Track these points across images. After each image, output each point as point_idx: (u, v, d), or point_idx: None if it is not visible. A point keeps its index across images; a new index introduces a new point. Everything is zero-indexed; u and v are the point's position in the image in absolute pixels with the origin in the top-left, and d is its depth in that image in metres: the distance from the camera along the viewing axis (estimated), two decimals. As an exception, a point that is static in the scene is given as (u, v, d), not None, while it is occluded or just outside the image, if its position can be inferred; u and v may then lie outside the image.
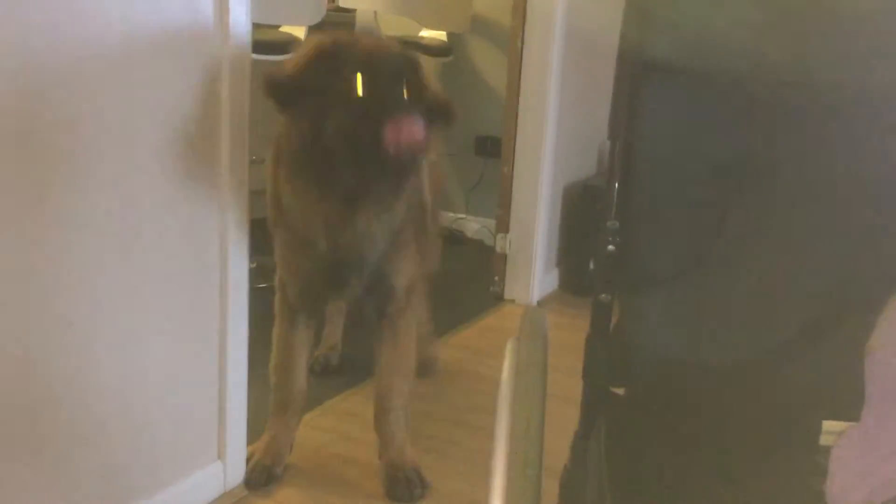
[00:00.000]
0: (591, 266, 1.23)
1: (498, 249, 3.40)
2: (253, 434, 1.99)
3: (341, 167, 1.67)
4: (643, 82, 1.19)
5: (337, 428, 2.28)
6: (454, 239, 4.19)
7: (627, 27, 1.19)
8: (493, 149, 3.85)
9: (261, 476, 1.96)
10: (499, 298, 3.38)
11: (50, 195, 1.40)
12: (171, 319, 1.69)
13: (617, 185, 1.22)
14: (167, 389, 1.71)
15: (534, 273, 3.34)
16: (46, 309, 1.43)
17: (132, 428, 1.65)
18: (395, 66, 1.73)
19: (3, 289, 1.36)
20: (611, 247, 1.21)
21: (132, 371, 1.62)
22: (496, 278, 3.40)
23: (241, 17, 1.71)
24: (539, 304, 3.36)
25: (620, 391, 1.28)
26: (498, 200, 3.42)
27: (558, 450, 1.33)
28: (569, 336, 2.00)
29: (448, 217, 4.28)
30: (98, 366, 1.55)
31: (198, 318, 1.76)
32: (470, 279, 3.59)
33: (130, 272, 1.57)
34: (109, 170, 1.50)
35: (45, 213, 1.40)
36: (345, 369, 2.62)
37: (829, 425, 1.17)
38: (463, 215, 4.28)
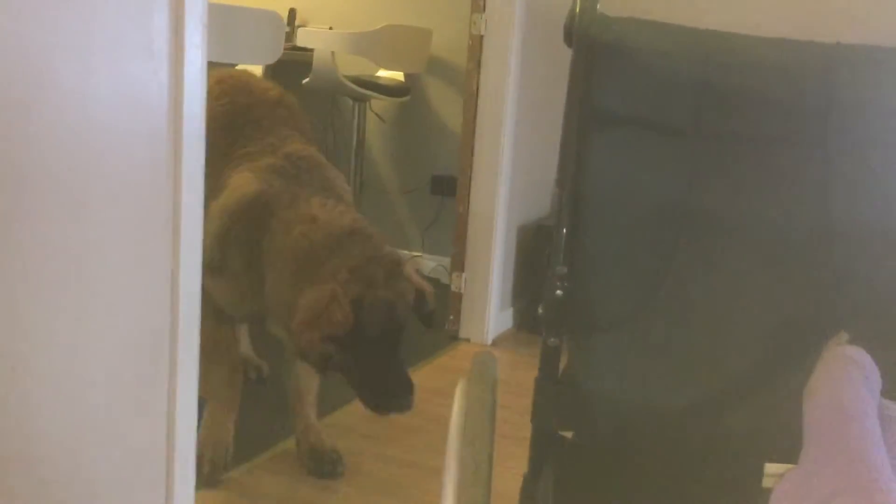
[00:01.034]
0: (540, 311, 1.25)
1: (453, 288, 3.42)
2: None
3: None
4: (590, 132, 1.23)
5: (289, 471, 2.26)
6: (410, 277, 4.20)
7: (575, 78, 1.22)
8: (448, 188, 3.89)
9: (213, 473, 2.13)
10: (454, 337, 3.39)
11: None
12: (119, 366, 1.66)
13: (565, 231, 1.24)
14: (113, 448, 1.67)
15: (489, 312, 3.36)
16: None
17: (75, 487, 1.61)
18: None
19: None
20: (559, 292, 1.23)
21: (77, 426, 1.58)
22: (451, 317, 3.42)
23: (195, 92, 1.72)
24: (494, 342, 3.38)
25: (569, 434, 1.29)
26: (453, 239, 3.44)
27: (511, 490, 1.34)
28: (522, 375, 2.01)
29: (404, 255, 4.29)
30: (40, 416, 1.52)
31: (146, 362, 1.73)
32: (425, 318, 3.59)
33: (79, 320, 1.55)
34: (59, 223, 1.48)
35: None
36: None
37: (770, 468, 1.19)
38: (419, 253, 4.29)
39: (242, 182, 2.14)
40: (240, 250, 2.11)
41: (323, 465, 2.25)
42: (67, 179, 1.49)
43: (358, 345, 1.94)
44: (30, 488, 1.54)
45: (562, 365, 1.30)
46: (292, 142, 2.31)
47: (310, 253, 1.99)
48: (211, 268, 2.00)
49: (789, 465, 1.14)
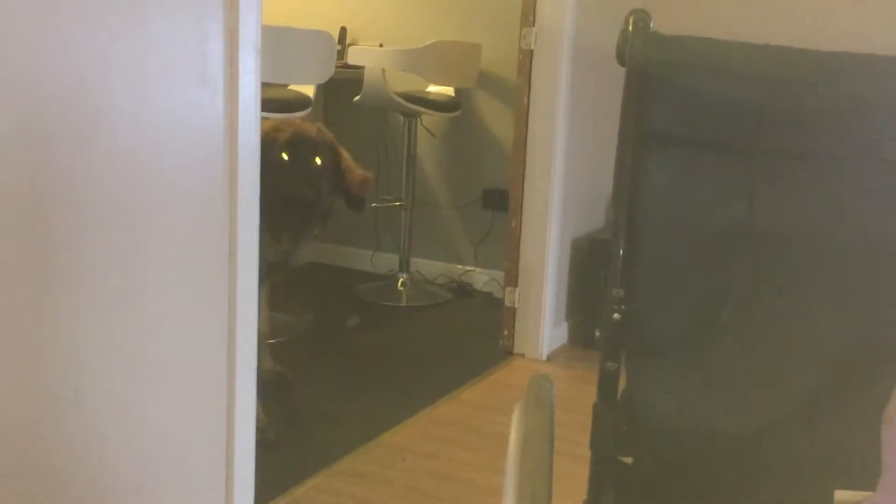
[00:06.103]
0: (598, 334, 1.22)
1: (507, 303, 3.40)
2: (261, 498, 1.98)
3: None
4: (646, 151, 1.20)
5: (347, 490, 2.26)
6: (463, 291, 4.20)
7: (628, 99, 1.20)
8: (500, 202, 3.87)
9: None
10: (508, 352, 3.37)
11: (63, 273, 1.42)
12: (178, 387, 1.69)
13: (621, 253, 1.22)
14: (174, 458, 1.70)
15: (543, 327, 3.33)
16: (58, 379, 1.44)
17: (138, 497, 1.64)
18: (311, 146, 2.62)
19: (19, 358, 1.37)
20: (616, 315, 1.21)
21: (138, 439, 1.62)
22: (505, 332, 3.40)
23: (250, 115, 1.75)
24: (548, 358, 3.34)
25: (629, 460, 1.27)
26: (506, 253, 3.43)
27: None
28: (578, 391, 1.99)
29: (457, 269, 4.29)
30: (105, 433, 1.55)
31: (205, 383, 1.76)
32: (479, 332, 3.59)
33: (139, 342, 1.58)
34: (119, 247, 1.51)
35: (58, 288, 1.42)
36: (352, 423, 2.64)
37: (841, 495, 1.16)
38: (472, 268, 4.28)
39: None
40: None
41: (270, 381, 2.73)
42: (125, 204, 1.52)
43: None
44: (96, 499, 1.56)
45: (620, 388, 1.28)
46: None
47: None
48: None
49: (861, 493, 1.11)
